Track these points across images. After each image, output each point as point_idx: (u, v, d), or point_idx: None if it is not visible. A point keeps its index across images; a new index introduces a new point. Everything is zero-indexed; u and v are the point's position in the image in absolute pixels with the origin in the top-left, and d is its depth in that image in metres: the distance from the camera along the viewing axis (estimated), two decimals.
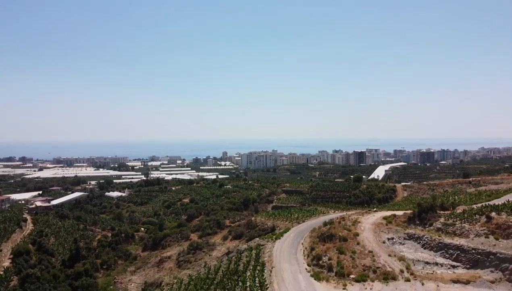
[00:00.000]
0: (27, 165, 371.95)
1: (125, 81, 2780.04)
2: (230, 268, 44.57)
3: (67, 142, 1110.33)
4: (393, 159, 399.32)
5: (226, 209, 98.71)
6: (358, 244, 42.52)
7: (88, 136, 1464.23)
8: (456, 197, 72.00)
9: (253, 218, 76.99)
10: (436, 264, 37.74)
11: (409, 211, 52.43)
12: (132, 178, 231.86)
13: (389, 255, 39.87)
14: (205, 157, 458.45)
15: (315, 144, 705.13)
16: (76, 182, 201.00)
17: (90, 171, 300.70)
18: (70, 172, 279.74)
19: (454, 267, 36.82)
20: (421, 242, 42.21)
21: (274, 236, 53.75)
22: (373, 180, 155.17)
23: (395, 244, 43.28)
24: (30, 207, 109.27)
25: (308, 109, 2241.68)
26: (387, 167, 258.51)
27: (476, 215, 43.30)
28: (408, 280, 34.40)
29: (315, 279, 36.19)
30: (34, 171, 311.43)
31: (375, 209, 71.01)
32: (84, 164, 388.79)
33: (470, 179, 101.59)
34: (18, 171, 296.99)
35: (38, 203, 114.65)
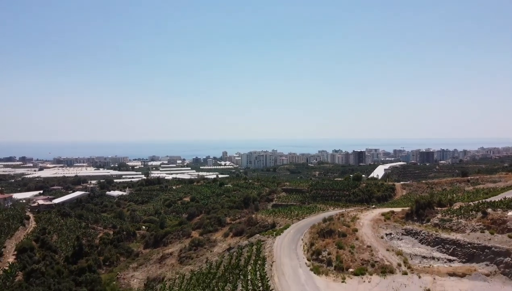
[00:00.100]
0: (27, 165, 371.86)
1: (125, 81, 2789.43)
2: (232, 263, 45.44)
3: (67, 142, 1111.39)
4: (392, 159, 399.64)
5: (227, 207, 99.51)
6: (357, 239, 43.47)
7: (88, 136, 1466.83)
8: (454, 194, 72.86)
9: (253, 215, 77.94)
10: (433, 258, 38.68)
11: (407, 208, 53.33)
12: (133, 178, 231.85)
13: (387, 250, 40.80)
14: (205, 157, 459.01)
15: (315, 144, 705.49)
16: (77, 182, 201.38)
17: (90, 171, 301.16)
18: (70, 172, 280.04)
19: (450, 261, 37.73)
20: (419, 237, 43.15)
21: (274, 232, 54.64)
22: (373, 179, 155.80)
23: (393, 239, 44.24)
24: (33, 205, 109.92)
25: (308, 109, 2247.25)
26: (386, 166, 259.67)
27: (473, 211, 44.30)
28: (405, 273, 35.32)
29: (314, 273, 37.09)
30: (35, 170, 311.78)
31: (373, 206, 71.97)
32: (84, 164, 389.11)
33: (469, 177, 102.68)
34: (19, 171, 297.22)
35: (40, 202, 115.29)
